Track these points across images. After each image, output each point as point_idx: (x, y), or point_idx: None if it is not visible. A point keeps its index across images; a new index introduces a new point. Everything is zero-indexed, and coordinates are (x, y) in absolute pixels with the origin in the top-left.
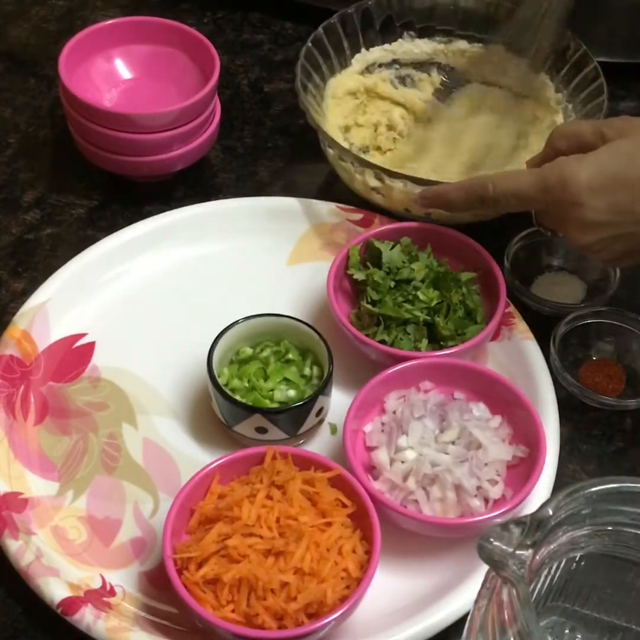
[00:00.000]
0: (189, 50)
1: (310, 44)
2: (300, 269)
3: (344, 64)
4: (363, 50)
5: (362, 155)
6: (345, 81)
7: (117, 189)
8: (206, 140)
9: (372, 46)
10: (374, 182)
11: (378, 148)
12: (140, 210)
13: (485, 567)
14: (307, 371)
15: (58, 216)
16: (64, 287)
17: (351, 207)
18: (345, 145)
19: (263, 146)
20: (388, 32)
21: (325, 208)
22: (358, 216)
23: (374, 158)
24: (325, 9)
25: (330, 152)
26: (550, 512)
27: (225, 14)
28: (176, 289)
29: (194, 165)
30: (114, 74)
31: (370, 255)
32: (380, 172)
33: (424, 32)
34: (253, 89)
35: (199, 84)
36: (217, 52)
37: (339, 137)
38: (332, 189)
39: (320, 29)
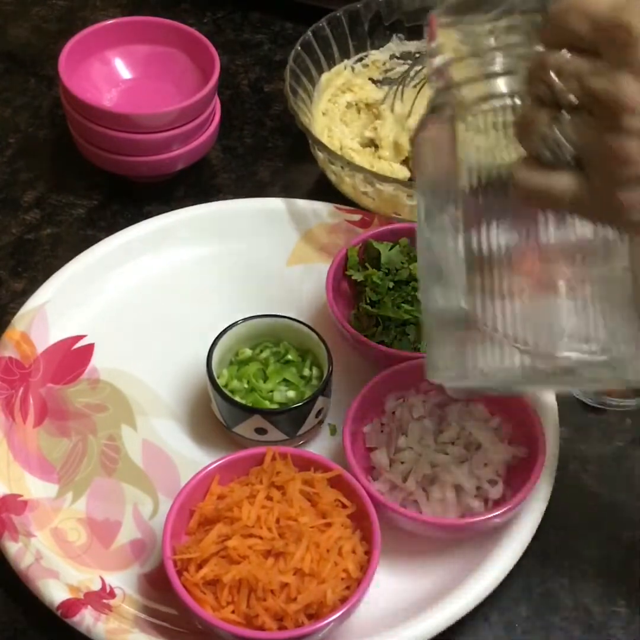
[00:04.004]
0: (189, 50)
1: (299, 48)
2: (299, 270)
3: (334, 66)
4: (352, 53)
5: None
6: (334, 82)
7: (117, 189)
8: (206, 140)
9: (362, 49)
10: (363, 186)
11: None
12: (140, 210)
13: (485, 568)
14: (306, 372)
15: (58, 216)
16: (62, 288)
17: (350, 207)
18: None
19: (263, 146)
20: (377, 35)
21: (324, 209)
22: (357, 217)
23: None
24: (325, 9)
25: (320, 155)
26: None
27: (225, 14)
28: (176, 290)
29: (194, 165)
30: (114, 74)
31: (369, 256)
32: (370, 175)
33: (413, 34)
34: (253, 89)
35: (199, 84)
36: (217, 52)
37: (327, 139)
38: (332, 189)
39: (309, 33)
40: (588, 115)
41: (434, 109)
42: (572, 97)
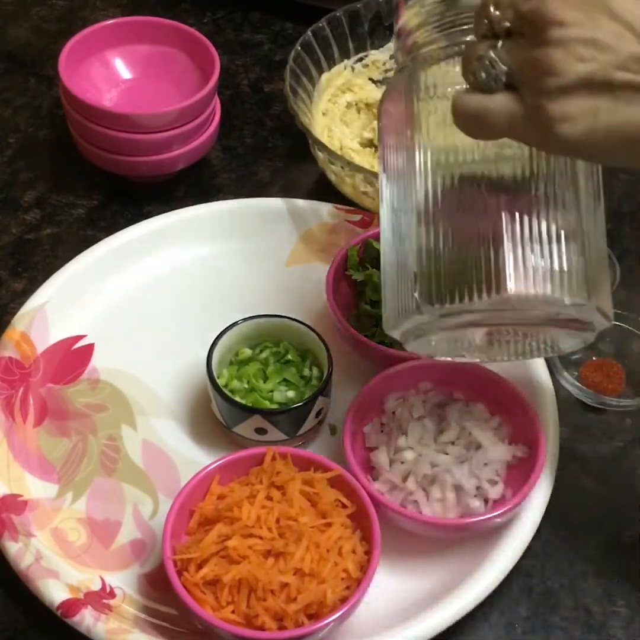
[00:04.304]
0: (189, 50)
1: (299, 48)
2: (299, 270)
3: (334, 66)
4: (352, 53)
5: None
6: (334, 82)
7: (117, 189)
8: (206, 140)
9: (362, 49)
10: (363, 186)
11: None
12: (140, 210)
13: (485, 568)
14: (306, 372)
15: (58, 216)
16: (62, 288)
17: (350, 207)
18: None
19: (263, 146)
20: (377, 35)
21: (324, 209)
22: (357, 217)
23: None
24: (325, 9)
25: (320, 155)
26: None
27: (225, 14)
28: (175, 290)
29: (194, 165)
30: (114, 74)
31: (369, 256)
32: (370, 175)
33: None
34: (253, 89)
35: (199, 84)
36: (217, 52)
37: (327, 140)
38: (332, 189)
39: (309, 33)
40: (520, 38)
41: (397, 72)
42: (505, 23)
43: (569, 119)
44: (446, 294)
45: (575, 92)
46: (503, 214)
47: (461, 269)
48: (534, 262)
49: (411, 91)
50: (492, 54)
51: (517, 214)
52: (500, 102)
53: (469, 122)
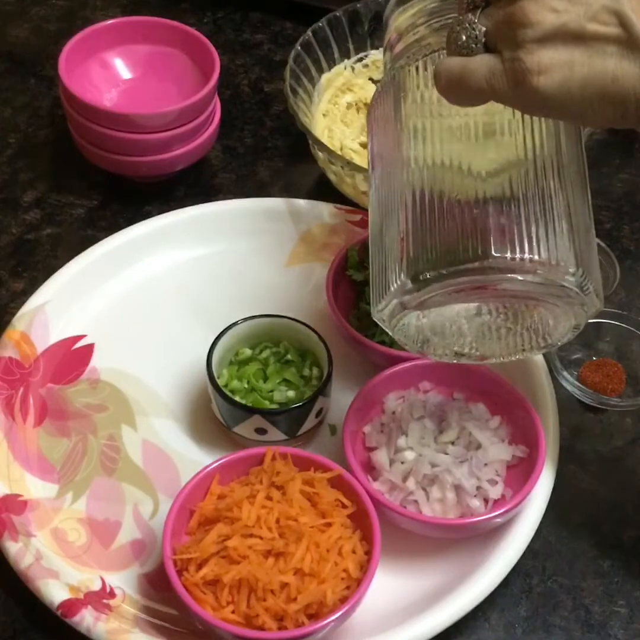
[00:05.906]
0: (189, 50)
1: (299, 48)
2: (299, 269)
3: (334, 66)
4: (352, 53)
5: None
6: (334, 82)
7: (117, 189)
8: (206, 140)
9: (362, 49)
10: (363, 186)
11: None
12: (140, 210)
13: (485, 568)
14: (306, 372)
15: (58, 216)
16: (62, 288)
17: (350, 207)
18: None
19: (263, 146)
20: (377, 35)
21: (324, 209)
22: (357, 217)
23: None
24: (325, 9)
25: (320, 155)
26: None
27: (225, 14)
28: (175, 290)
29: (194, 165)
30: (114, 74)
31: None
32: None
33: None
34: (253, 89)
35: (199, 84)
36: (217, 52)
37: (327, 140)
38: (332, 189)
39: (309, 33)
40: (498, 1)
41: (383, 82)
42: None
43: (545, 70)
44: (428, 265)
45: (550, 44)
46: (490, 200)
47: (443, 245)
48: (518, 231)
49: (398, 88)
50: (471, 16)
51: (502, 198)
52: (480, 61)
53: (451, 84)
